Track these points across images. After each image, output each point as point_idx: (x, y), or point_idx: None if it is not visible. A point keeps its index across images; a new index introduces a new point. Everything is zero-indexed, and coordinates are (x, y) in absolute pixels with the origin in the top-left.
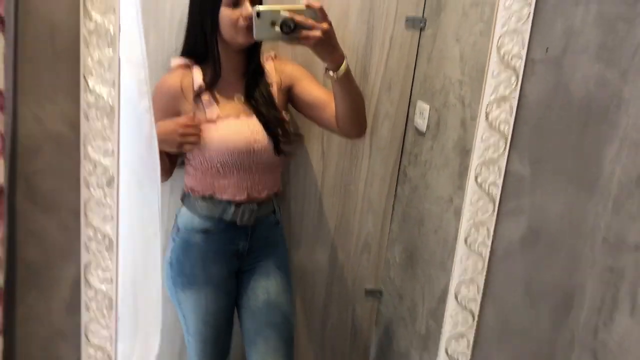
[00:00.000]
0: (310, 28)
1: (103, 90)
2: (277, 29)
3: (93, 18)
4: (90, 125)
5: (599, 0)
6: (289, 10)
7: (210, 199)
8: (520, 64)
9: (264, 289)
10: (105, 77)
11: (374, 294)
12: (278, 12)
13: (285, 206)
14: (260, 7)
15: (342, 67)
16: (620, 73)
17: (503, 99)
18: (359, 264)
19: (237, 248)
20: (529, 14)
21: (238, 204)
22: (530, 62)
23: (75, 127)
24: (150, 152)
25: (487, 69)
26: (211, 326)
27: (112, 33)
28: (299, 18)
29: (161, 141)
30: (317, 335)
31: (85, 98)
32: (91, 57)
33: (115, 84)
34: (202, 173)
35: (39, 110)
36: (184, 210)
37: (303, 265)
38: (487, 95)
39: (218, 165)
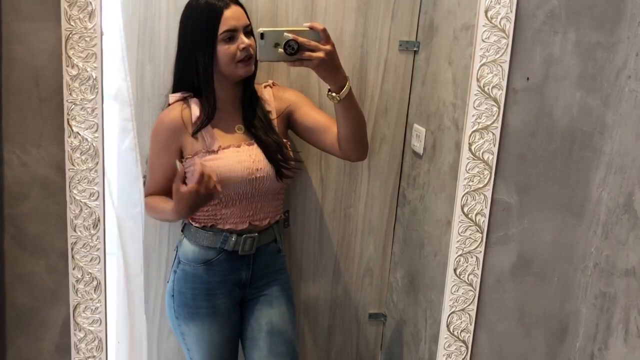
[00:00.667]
0: (314, 49)
1: (87, 133)
2: (281, 50)
3: (75, 64)
4: (76, 168)
5: (577, 28)
6: (292, 32)
7: (211, 229)
8: (501, 94)
9: (268, 318)
10: (89, 121)
11: (378, 317)
12: (281, 33)
13: (286, 232)
14: (264, 29)
15: (345, 89)
16: (602, 99)
17: (485, 128)
18: (361, 288)
19: (239, 278)
20: (507, 44)
21: (239, 234)
22: (511, 92)
23: (60, 170)
24: (133, 190)
25: (469, 100)
26: (215, 358)
27: (94, 77)
28: (302, 39)
29: (191, 211)
30: None
31: (70, 142)
32: (74, 102)
33: (99, 128)
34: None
35: (24, 156)
36: (184, 241)
37: (306, 290)
38: (470, 126)
39: (220, 195)
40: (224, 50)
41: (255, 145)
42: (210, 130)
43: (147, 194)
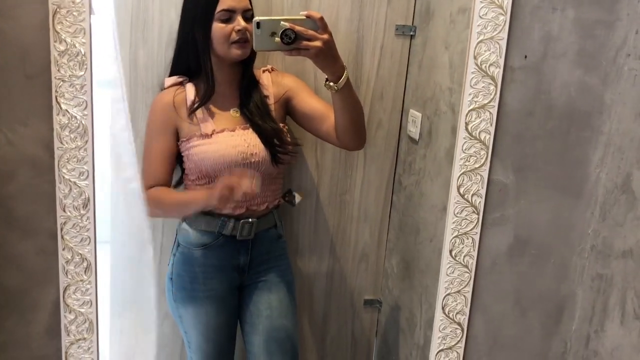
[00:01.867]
0: (311, 39)
1: (76, 111)
2: (277, 39)
3: (63, 39)
4: (65, 147)
5: (576, 5)
6: (289, 21)
7: (209, 213)
8: (498, 72)
9: (267, 304)
10: (78, 99)
11: (373, 304)
12: (278, 22)
13: (282, 216)
14: (260, 18)
15: (343, 78)
16: (600, 78)
17: (482, 107)
18: (357, 274)
19: (237, 262)
20: (505, 21)
21: (237, 218)
22: (509, 70)
23: (49, 149)
24: (130, 165)
25: (465, 78)
26: (213, 342)
27: (83, 53)
28: (299, 28)
29: (206, 205)
30: (318, 347)
31: (58, 120)
32: (62, 79)
33: (88, 105)
34: (201, 188)
35: (12, 134)
36: (183, 225)
37: (301, 277)
38: (466, 105)
39: (216, 179)
40: (219, 29)
41: (251, 130)
42: (205, 113)
43: (148, 185)
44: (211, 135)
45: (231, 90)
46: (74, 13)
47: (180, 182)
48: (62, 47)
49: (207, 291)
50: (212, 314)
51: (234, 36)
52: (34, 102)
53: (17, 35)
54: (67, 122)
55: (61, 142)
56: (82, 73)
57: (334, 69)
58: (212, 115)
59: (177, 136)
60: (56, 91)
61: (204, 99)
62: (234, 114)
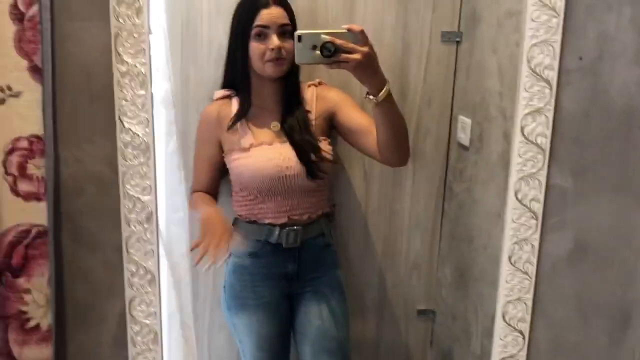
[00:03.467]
0: (351, 51)
1: (138, 129)
2: (318, 52)
3: (124, 60)
4: (128, 163)
5: (633, 3)
6: (330, 34)
7: (255, 222)
8: (553, 75)
9: (317, 314)
10: (140, 117)
11: (427, 314)
12: (319, 35)
13: (331, 225)
14: (301, 32)
15: (384, 92)
16: None
17: (538, 111)
18: (409, 284)
19: (285, 270)
20: (558, 24)
21: (282, 226)
22: (564, 72)
23: (113, 166)
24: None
25: (519, 83)
26: (265, 350)
27: (144, 73)
28: (339, 41)
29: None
30: (371, 359)
31: (122, 138)
32: (125, 98)
33: (149, 123)
34: (243, 199)
35: (79, 152)
36: (234, 234)
37: (352, 287)
38: (521, 109)
39: (255, 191)
40: (254, 46)
41: (288, 144)
42: (245, 126)
43: (193, 189)
44: (249, 149)
45: (273, 104)
46: (135, 35)
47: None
48: (123, 68)
49: (257, 299)
50: (263, 321)
51: (268, 55)
52: (98, 121)
53: (82, 57)
54: (130, 139)
55: (125, 159)
56: (143, 92)
57: (374, 82)
58: (252, 129)
59: (220, 148)
60: (119, 110)
61: (241, 113)
62: (274, 128)
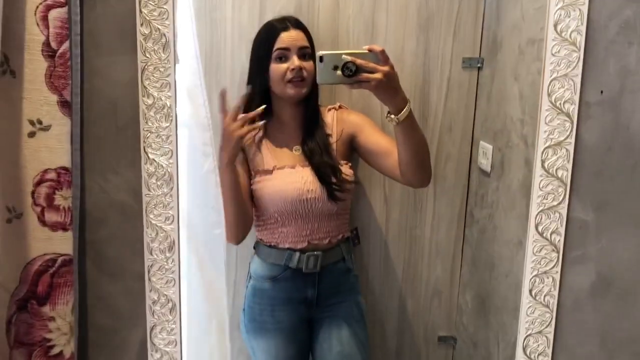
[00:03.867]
0: (372, 71)
1: (162, 160)
2: (339, 72)
3: (150, 94)
4: (152, 194)
5: None
6: (351, 54)
7: (275, 246)
8: (574, 109)
9: (338, 340)
10: (164, 148)
11: (448, 340)
12: (340, 56)
13: (352, 250)
14: (323, 52)
15: (405, 111)
16: None
17: (558, 144)
18: (430, 310)
19: (305, 295)
20: (579, 58)
21: (302, 251)
22: (584, 106)
23: (137, 196)
24: (215, 211)
25: (540, 116)
26: None
27: (169, 106)
28: (360, 61)
29: (227, 151)
30: None
31: (146, 169)
32: (150, 130)
33: (174, 154)
34: (264, 222)
35: (104, 182)
36: (255, 258)
37: (373, 312)
38: (542, 142)
39: (275, 214)
40: (275, 68)
41: (309, 167)
42: (269, 149)
43: None
44: (272, 171)
45: (295, 128)
46: (161, 69)
47: None
48: (149, 101)
49: (276, 323)
50: (281, 346)
51: (289, 75)
52: (124, 152)
53: (110, 91)
54: (154, 170)
55: (149, 189)
56: (167, 124)
57: (396, 101)
58: (275, 152)
59: (248, 169)
60: (144, 142)
61: (261, 135)
62: (295, 152)
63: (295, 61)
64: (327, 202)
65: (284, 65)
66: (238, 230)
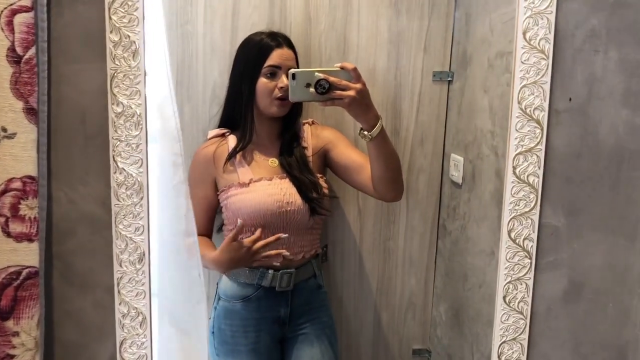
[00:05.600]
0: (344, 88)
1: (132, 169)
2: (312, 89)
3: (120, 102)
4: (121, 204)
5: (618, 46)
6: (324, 72)
7: (248, 265)
8: (543, 116)
9: (309, 357)
10: (134, 157)
11: (422, 353)
12: (312, 73)
13: (325, 266)
14: (295, 70)
15: (377, 127)
16: None
17: (529, 151)
18: (404, 323)
19: (277, 315)
20: (547, 65)
21: (276, 269)
22: (554, 113)
23: (106, 206)
24: (187, 222)
25: (510, 123)
26: None
27: (139, 114)
28: (332, 79)
29: (231, 264)
30: None
31: (115, 178)
32: (119, 139)
33: (144, 163)
34: (238, 239)
35: (72, 193)
36: (224, 278)
37: (347, 326)
38: (513, 149)
39: (252, 228)
40: (263, 83)
41: (288, 180)
42: (244, 162)
43: None
44: (249, 184)
45: (271, 141)
46: (130, 77)
47: (221, 228)
48: (119, 109)
49: (248, 345)
50: None
51: (277, 92)
52: (92, 161)
53: (77, 98)
54: (123, 179)
55: (118, 199)
56: (137, 133)
57: (368, 118)
58: (250, 164)
59: (215, 187)
60: (113, 151)
61: (241, 147)
62: (272, 164)
63: (284, 80)
64: (305, 215)
65: (273, 83)
66: None
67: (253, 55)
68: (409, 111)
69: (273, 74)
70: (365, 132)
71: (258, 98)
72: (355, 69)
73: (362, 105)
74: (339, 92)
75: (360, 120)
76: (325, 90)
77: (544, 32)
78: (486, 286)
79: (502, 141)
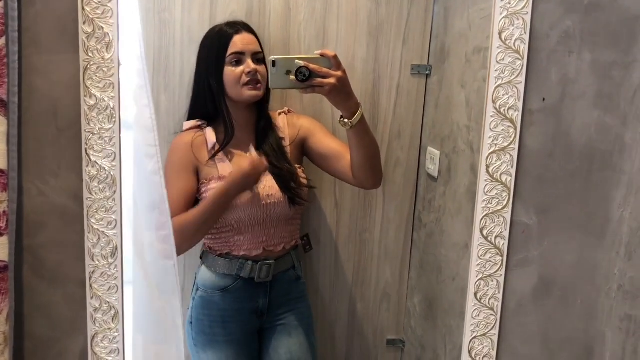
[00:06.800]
0: (325, 76)
1: (105, 162)
2: (292, 77)
3: (93, 94)
4: (94, 197)
5: (592, 48)
6: (304, 59)
7: (227, 256)
8: (517, 115)
9: (287, 348)
10: (107, 150)
11: (396, 343)
12: (293, 60)
13: (302, 257)
14: (275, 57)
15: (357, 115)
16: (620, 118)
17: (502, 150)
18: (379, 313)
19: (256, 306)
20: (522, 65)
21: (255, 260)
22: (527, 113)
23: (79, 199)
24: (160, 214)
25: (485, 122)
26: None
27: (112, 107)
28: (313, 66)
29: (241, 188)
30: None
31: (88, 171)
32: (92, 132)
33: (117, 157)
34: (218, 230)
35: (43, 185)
36: (202, 268)
37: (322, 317)
38: (487, 148)
39: (232, 221)
40: (230, 72)
41: (267, 172)
42: (222, 155)
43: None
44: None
45: (247, 132)
46: (104, 69)
47: None
48: (91, 102)
49: (227, 335)
50: (232, 358)
51: (244, 78)
52: (64, 154)
53: (49, 90)
54: (96, 173)
55: (90, 193)
56: (110, 126)
57: (348, 106)
58: (229, 157)
59: (197, 176)
60: (86, 144)
61: (225, 143)
62: (250, 156)
63: (250, 64)
64: (285, 207)
65: (239, 69)
66: (194, 243)
67: (215, 47)
68: (387, 104)
69: (238, 61)
70: (346, 120)
71: (228, 88)
72: (335, 57)
73: (342, 93)
74: (319, 79)
75: (340, 108)
76: (305, 77)
77: (519, 32)
78: (459, 279)
79: (477, 136)
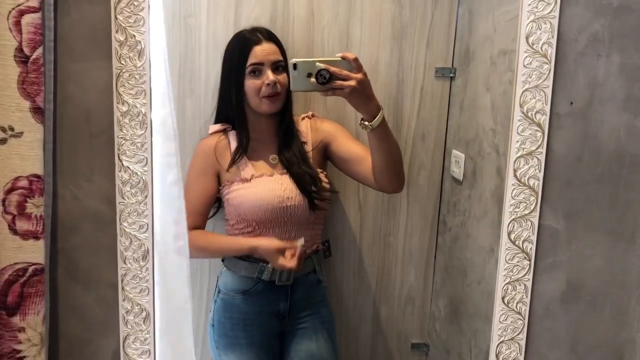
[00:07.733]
0: (345, 78)
1: (137, 167)
2: (313, 79)
3: (125, 101)
4: (126, 202)
5: (621, 51)
6: (325, 62)
7: (248, 258)
8: (545, 119)
9: (308, 352)
10: (139, 155)
11: (421, 347)
12: (313, 63)
13: (325, 261)
14: (296, 60)
15: (378, 118)
16: None
17: (530, 154)
18: (403, 317)
19: (277, 309)
20: (550, 69)
21: None
22: (555, 117)
23: (111, 204)
24: (177, 225)
25: (512, 126)
26: None
27: (144, 113)
28: (333, 69)
29: (262, 253)
30: None
31: (120, 176)
32: (124, 137)
33: (148, 162)
34: (239, 232)
35: (77, 190)
36: (224, 271)
37: (346, 320)
38: (514, 152)
39: (253, 223)
40: (249, 83)
41: (288, 175)
42: (245, 159)
43: (191, 226)
44: (250, 179)
45: (270, 137)
46: (136, 76)
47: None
48: (124, 108)
49: (248, 338)
50: None
51: (264, 90)
52: (97, 159)
53: (83, 97)
54: (128, 178)
55: (123, 197)
56: (142, 132)
57: (369, 108)
58: (252, 161)
59: (218, 180)
60: (119, 149)
61: (241, 149)
62: (272, 160)
63: (269, 76)
64: (305, 210)
65: (259, 81)
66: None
67: (235, 56)
68: (411, 107)
69: (257, 71)
70: (366, 123)
71: (248, 98)
72: (356, 59)
73: (362, 96)
74: (339, 82)
75: (361, 111)
76: (326, 80)
77: (546, 36)
78: (485, 283)
79: (503, 139)
